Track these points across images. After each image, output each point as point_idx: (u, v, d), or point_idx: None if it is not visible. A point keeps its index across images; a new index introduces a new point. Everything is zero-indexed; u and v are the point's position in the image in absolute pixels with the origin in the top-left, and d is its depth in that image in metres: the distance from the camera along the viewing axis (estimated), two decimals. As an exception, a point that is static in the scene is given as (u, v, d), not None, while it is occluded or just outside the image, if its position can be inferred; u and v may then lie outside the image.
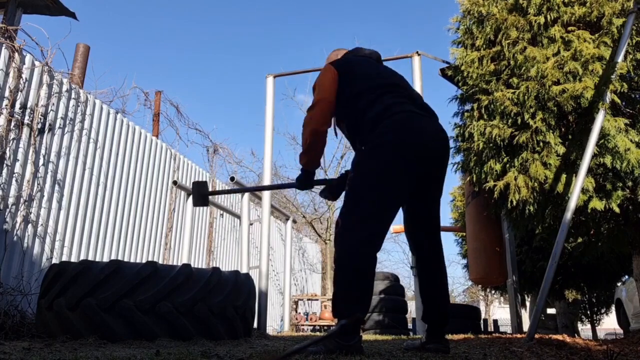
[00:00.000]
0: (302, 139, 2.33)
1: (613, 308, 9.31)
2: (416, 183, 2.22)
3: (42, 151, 4.32)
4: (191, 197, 2.85)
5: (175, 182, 5.97)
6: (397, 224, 6.38)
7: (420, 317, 2.36)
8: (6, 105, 3.96)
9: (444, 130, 2.32)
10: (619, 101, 3.26)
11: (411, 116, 2.21)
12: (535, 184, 3.42)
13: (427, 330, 2.33)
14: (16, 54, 4.04)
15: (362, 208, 2.11)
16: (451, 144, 4.27)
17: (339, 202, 16.74)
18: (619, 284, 8.38)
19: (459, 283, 31.27)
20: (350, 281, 2.05)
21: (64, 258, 4.47)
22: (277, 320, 9.03)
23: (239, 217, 7.04)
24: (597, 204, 3.27)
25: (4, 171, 3.93)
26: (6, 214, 3.94)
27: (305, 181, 2.47)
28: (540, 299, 3.05)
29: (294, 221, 9.12)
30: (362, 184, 2.16)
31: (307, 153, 2.34)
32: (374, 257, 2.10)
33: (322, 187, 2.67)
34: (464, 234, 7.87)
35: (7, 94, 3.98)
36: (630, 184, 3.35)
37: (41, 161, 4.31)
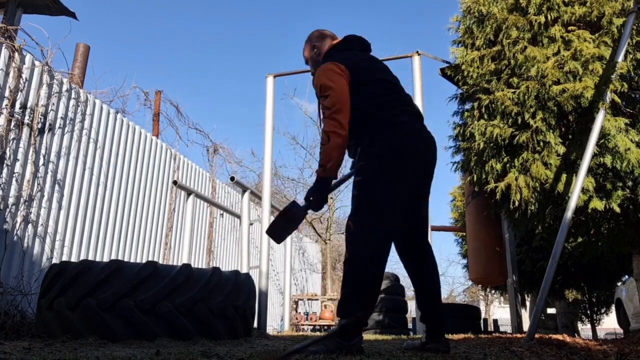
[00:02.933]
0: (323, 148, 2.18)
1: (613, 308, 9.31)
2: (415, 187, 2.26)
3: (42, 151, 4.32)
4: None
5: (175, 182, 5.96)
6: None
7: (419, 317, 2.38)
8: (6, 105, 3.96)
9: (433, 137, 2.38)
10: (619, 101, 3.25)
11: (413, 122, 2.28)
12: (536, 184, 3.42)
13: (426, 330, 2.34)
14: (16, 54, 4.03)
15: (376, 210, 2.12)
16: (451, 143, 4.29)
17: (340, 202, 16.70)
18: (619, 284, 8.38)
19: (459, 283, 31.29)
20: (361, 283, 2.07)
21: (64, 258, 4.47)
22: (277, 320, 9.03)
23: (239, 217, 7.03)
24: (598, 204, 3.27)
25: (4, 171, 3.93)
26: (6, 214, 3.94)
27: (323, 191, 2.24)
28: (540, 298, 3.05)
29: (294, 221, 9.09)
30: (374, 187, 2.15)
31: (331, 162, 2.17)
32: (386, 260, 2.14)
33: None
34: (464, 234, 7.87)
35: (7, 93, 3.97)
36: (630, 183, 3.35)
37: (41, 161, 4.31)
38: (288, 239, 8.00)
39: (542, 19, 3.58)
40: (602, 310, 12.71)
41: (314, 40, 2.55)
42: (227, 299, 3.09)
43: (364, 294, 2.07)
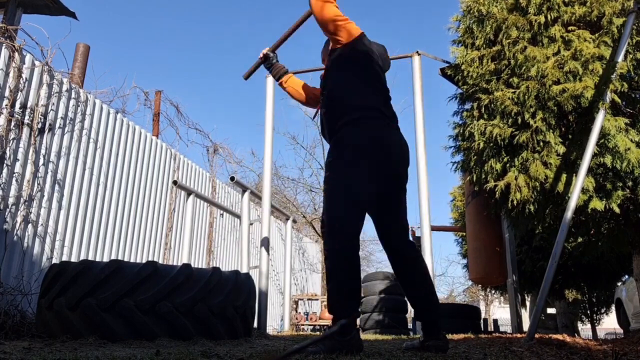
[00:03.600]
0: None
1: (613, 308, 9.31)
2: (383, 191, 2.31)
3: (42, 151, 4.32)
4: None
5: (175, 182, 5.96)
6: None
7: (415, 316, 2.41)
8: (6, 105, 3.96)
9: (406, 143, 2.43)
10: (619, 101, 3.25)
11: (388, 125, 2.35)
12: (536, 184, 3.42)
13: (422, 328, 2.34)
14: (16, 54, 4.03)
15: (344, 207, 2.19)
16: (451, 143, 4.29)
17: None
18: (619, 284, 8.38)
19: (459, 283, 31.27)
20: (342, 279, 2.14)
21: (64, 258, 4.47)
22: (277, 320, 9.03)
23: (239, 217, 7.03)
24: (597, 204, 3.27)
25: (4, 171, 3.93)
26: (6, 214, 3.94)
27: None
28: (540, 298, 3.05)
29: (294, 221, 9.11)
30: (342, 183, 2.22)
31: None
32: (358, 254, 2.20)
33: None
34: (464, 234, 7.87)
35: (7, 93, 3.97)
36: (630, 183, 3.35)
37: (41, 161, 4.31)
38: (288, 239, 8.00)
39: (542, 18, 3.58)
40: (602, 310, 12.71)
41: None
42: (227, 299, 3.09)
43: (358, 290, 2.15)
